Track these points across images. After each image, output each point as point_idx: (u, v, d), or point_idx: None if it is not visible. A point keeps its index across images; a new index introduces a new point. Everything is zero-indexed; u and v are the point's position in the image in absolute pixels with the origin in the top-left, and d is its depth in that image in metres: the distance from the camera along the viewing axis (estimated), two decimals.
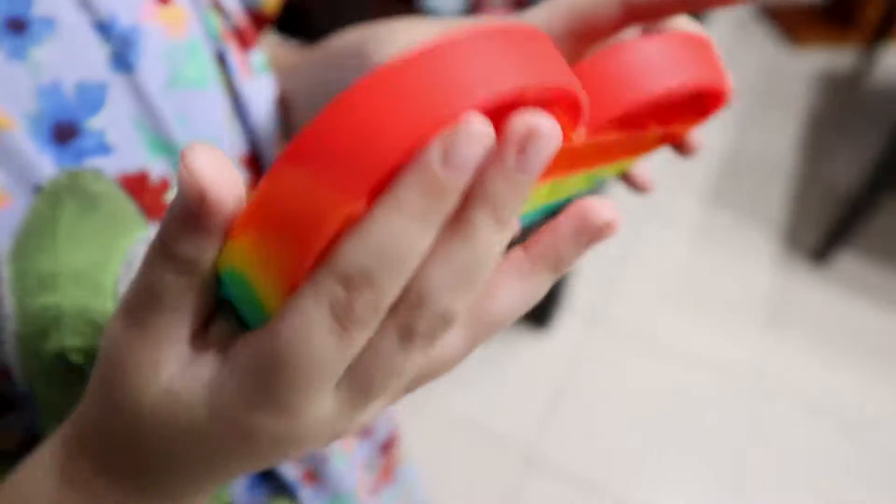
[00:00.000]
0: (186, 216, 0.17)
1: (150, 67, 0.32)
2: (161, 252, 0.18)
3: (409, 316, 0.18)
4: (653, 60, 0.24)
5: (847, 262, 1.83)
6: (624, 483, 1.34)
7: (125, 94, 0.31)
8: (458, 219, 0.18)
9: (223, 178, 0.17)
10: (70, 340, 0.26)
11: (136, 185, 0.32)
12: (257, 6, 0.43)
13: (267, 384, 0.18)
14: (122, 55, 0.31)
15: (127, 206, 0.29)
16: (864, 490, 1.38)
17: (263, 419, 0.19)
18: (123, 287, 0.27)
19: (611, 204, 0.21)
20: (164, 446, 0.20)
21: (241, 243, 0.18)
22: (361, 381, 0.20)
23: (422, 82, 0.15)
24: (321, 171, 0.16)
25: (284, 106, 0.42)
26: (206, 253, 0.18)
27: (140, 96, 0.32)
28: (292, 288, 0.18)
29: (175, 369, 0.19)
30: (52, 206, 0.27)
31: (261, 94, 0.38)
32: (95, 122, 0.30)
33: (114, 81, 0.31)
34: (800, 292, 1.74)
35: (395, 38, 0.32)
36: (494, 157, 0.17)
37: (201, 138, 0.35)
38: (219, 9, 0.37)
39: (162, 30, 0.33)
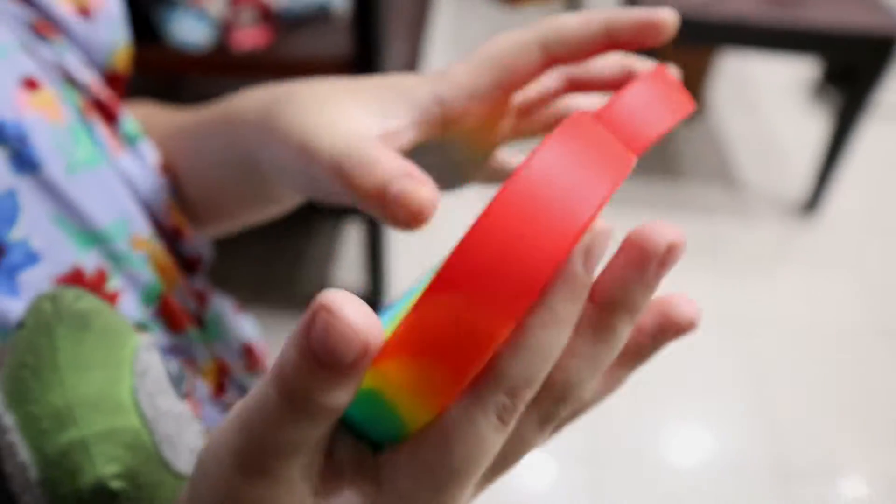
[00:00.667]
0: (339, 368, 0.16)
1: (49, 160, 0.31)
2: (300, 407, 0.17)
3: (553, 406, 0.20)
4: (651, 103, 0.26)
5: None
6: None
7: (36, 194, 0.30)
8: (602, 325, 0.20)
9: (375, 324, 0.16)
10: (106, 469, 0.25)
11: (72, 284, 0.31)
12: (110, 66, 0.41)
13: (438, 492, 0.19)
14: (22, 155, 0.30)
15: (114, 315, 0.28)
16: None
17: None
18: (143, 398, 0.26)
19: (692, 301, 0.23)
20: None
21: (386, 368, 0.18)
22: (497, 464, 0.21)
23: (547, 201, 0.17)
24: (475, 297, 0.16)
25: (170, 171, 0.41)
26: (351, 395, 0.17)
27: (51, 193, 0.31)
28: (445, 404, 0.18)
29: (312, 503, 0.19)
30: (46, 337, 0.26)
31: (140, 165, 0.37)
32: (16, 233, 0.29)
33: (20, 185, 0.30)
34: None
35: (298, 101, 0.30)
36: (636, 269, 0.19)
37: (119, 219, 0.34)
38: (72, 83, 0.35)
39: (41, 118, 0.31)
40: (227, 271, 1.71)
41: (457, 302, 0.17)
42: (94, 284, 0.32)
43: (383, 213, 0.25)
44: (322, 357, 0.16)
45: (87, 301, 0.27)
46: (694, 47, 2.15)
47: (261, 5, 1.45)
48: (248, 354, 0.46)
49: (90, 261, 0.32)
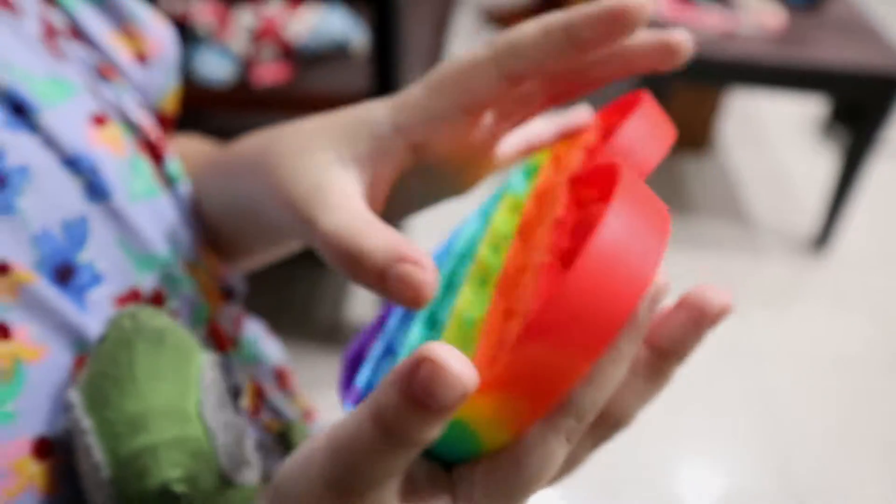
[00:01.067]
0: (439, 410, 0.18)
1: (115, 189, 0.33)
2: (397, 441, 0.19)
3: (606, 431, 0.26)
4: (647, 134, 0.28)
5: None
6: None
7: (104, 221, 0.32)
8: (658, 370, 0.25)
9: (472, 372, 0.19)
10: (171, 473, 0.27)
11: (132, 304, 0.33)
12: (160, 108, 0.43)
13: (509, 502, 0.22)
14: (94, 185, 0.32)
15: (184, 333, 0.31)
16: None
17: None
18: (207, 410, 0.29)
19: (722, 289, 0.26)
20: None
21: (476, 403, 0.20)
22: (552, 476, 0.25)
23: (621, 262, 0.20)
24: (564, 344, 0.20)
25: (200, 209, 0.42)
26: (442, 429, 0.20)
27: (117, 219, 0.33)
28: (522, 430, 0.22)
29: None
30: (126, 350, 0.28)
31: (178, 206, 0.39)
32: (84, 256, 0.31)
33: (91, 212, 0.32)
34: None
35: (282, 150, 0.31)
36: (694, 327, 0.25)
37: (173, 245, 0.36)
38: (128, 122, 0.37)
39: (109, 151, 0.34)
40: (244, 298, 1.74)
41: (548, 348, 0.20)
42: (152, 305, 0.34)
43: (382, 293, 0.26)
44: (425, 400, 0.18)
45: (161, 319, 0.30)
46: (703, 86, 2.19)
47: (281, 42, 1.50)
48: (280, 376, 0.48)
49: (147, 283, 0.34)
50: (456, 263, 0.33)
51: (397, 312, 0.35)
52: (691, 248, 2.01)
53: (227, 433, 0.29)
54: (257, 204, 0.33)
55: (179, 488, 0.27)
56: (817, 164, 2.38)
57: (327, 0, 1.32)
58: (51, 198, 0.30)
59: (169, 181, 0.39)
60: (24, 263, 0.29)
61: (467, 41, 2.95)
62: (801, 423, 1.58)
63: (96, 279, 0.32)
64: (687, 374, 1.67)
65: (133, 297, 0.34)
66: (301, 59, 1.54)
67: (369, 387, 0.32)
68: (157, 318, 0.30)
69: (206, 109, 1.52)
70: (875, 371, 1.71)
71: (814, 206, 2.17)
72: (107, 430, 0.27)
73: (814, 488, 1.46)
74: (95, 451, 0.27)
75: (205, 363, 0.30)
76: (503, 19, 3.09)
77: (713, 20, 1.77)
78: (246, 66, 1.47)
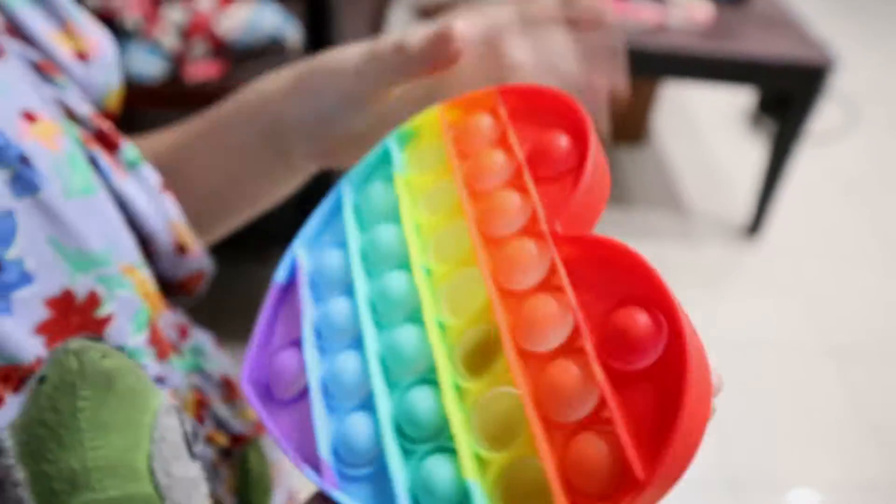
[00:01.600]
0: None
1: (47, 183, 0.32)
2: None
3: None
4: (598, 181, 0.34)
5: None
6: None
7: (33, 216, 0.31)
8: None
9: None
10: None
11: (63, 307, 0.32)
12: (103, 106, 0.43)
13: None
14: (22, 177, 0.31)
15: (139, 374, 0.28)
16: None
17: None
18: (159, 466, 0.26)
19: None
20: None
21: None
22: None
23: (701, 390, 0.24)
24: (673, 477, 0.24)
25: (175, 186, 0.44)
26: None
27: (48, 215, 0.32)
28: None
29: None
30: (69, 396, 0.26)
31: (141, 189, 0.39)
32: (12, 253, 0.30)
33: (18, 207, 0.31)
34: None
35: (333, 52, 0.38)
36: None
37: (111, 245, 0.35)
38: (73, 117, 0.37)
39: (40, 145, 0.33)
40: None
41: (661, 483, 0.23)
42: (85, 308, 0.33)
43: (434, 55, 0.34)
44: None
45: (112, 360, 0.27)
46: (637, 78, 2.23)
47: (213, 38, 1.46)
48: (227, 387, 0.48)
49: (82, 285, 0.33)
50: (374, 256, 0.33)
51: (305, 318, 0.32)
52: (628, 237, 2.02)
53: (179, 489, 0.27)
54: (276, 123, 0.40)
55: None
56: (748, 153, 2.45)
57: None
58: None
59: (129, 166, 0.39)
60: None
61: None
62: (735, 408, 1.63)
63: (25, 278, 0.30)
64: None
65: (66, 299, 0.32)
66: (233, 54, 1.51)
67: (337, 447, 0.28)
68: (107, 359, 0.27)
69: (138, 107, 1.48)
70: (807, 354, 1.78)
71: (745, 194, 2.24)
72: (43, 485, 0.25)
73: (748, 472, 1.51)
74: None
75: (161, 409, 0.28)
76: (434, 13, 3.09)
77: (645, 13, 1.80)
78: (177, 62, 1.44)
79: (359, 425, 0.27)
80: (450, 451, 0.26)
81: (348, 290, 0.32)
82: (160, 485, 0.26)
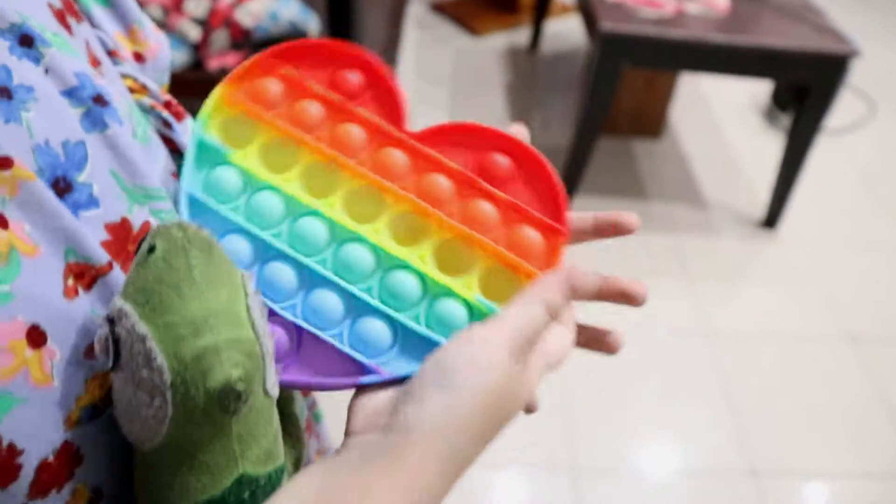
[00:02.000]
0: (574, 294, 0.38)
1: (116, 123, 0.36)
2: (549, 313, 0.36)
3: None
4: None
5: (583, 205, 2.11)
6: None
7: (101, 149, 0.34)
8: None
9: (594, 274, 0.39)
10: (233, 372, 0.29)
11: (121, 233, 0.35)
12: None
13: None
14: (93, 114, 0.35)
15: (221, 247, 0.32)
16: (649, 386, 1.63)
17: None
18: (256, 316, 0.31)
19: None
20: (499, 421, 0.34)
21: None
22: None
23: None
24: None
25: None
26: None
27: (114, 150, 0.35)
28: None
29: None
30: (182, 256, 0.30)
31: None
32: (82, 177, 0.33)
33: (90, 139, 0.34)
34: None
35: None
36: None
37: (162, 185, 0.39)
38: (145, 88, 0.43)
39: (111, 90, 0.36)
40: None
41: None
42: (138, 237, 0.36)
43: None
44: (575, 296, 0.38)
45: (203, 232, 0.32)
46: (654, 71, 2.23)
47: (234, 28, 1.47)
48: None
49: (137, 216, 0.36)
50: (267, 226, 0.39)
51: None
52: (647, 231, 2.04)
53: (267, 341, 0.31)
54: None
55: (240, 386, 0.29)
56: (765, 145, 2.45)
57: None
58: (53, 118, 0.32)
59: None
60: (27, 165, 0.30)
61: (416, 30, 2.95)
62: (756, 398, 1.63)
63: (93, 201, 0.33)
64: (643, 354, 1.70)
65: (124, 225, 0.35)
66: (255, 43, 1.52)
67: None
68: (202, 231, 0.31)
69: None
70: (825, 343, 1.77)
71: (763, 186, 2.23)
72: (169, 333, 0.28)
73: (768, 461, 1.51)
74: (157, 354, 0.28)
75: (245, 273, 0.32)
76: (448, 8, 3.10)
77: (661, 4, 1.80)
78: (199, 52, 1.45)
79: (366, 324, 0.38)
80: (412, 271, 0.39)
81: (270, 249, 0.39)
82: (258, 332, 0.30)
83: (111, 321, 0.29)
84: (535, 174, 0.40)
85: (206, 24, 1.45)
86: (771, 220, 2.07)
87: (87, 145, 0.34)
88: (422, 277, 0.38)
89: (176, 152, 0.43)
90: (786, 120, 2.51)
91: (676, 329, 1.77)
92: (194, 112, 0.47)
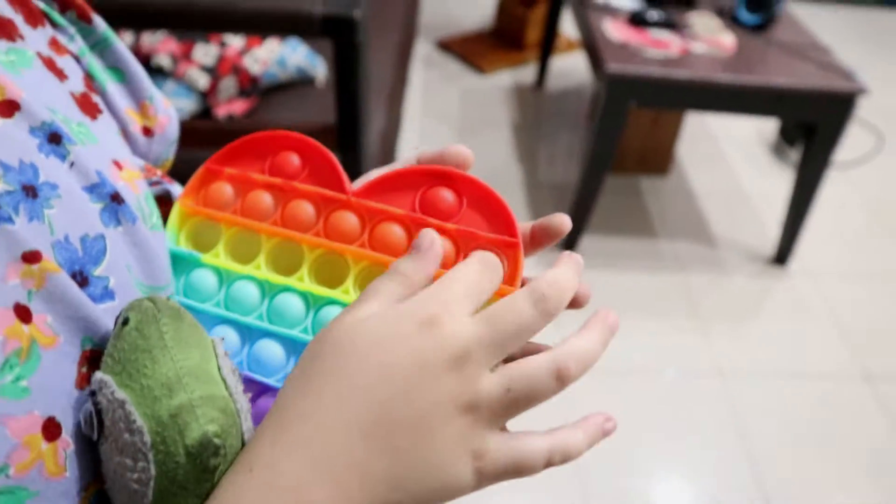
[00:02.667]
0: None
1: (135, 217, 0.38)
2: (546, 317, 0.34)
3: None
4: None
5: (590, 244, 2.10)
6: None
7: (118, 244, 0.36)
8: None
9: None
10: (210, 426, 0.30)
11: None
12: (161, 163, 0.50)
13: None
14: (111, 211, 0.37)
15: (190, 316, 0.34)
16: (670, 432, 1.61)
17: None
18: (227, 375, 0.32)
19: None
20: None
21: None
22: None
23: None
24: None
25: None
26: None
27: (129, 246, 0.37)
28: None
29: None
30: (154, 324, 0.32)
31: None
32: (99, 271, 0.35)
33: (108, 233, 0.36)
34: None
35: None
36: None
37: (165, 286, 0.41)
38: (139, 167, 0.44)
39: (128, 187, 0.39)
40: None
41: None
42: None
43: None
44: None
45: (173, 302, 0.34)
46: (661, 110, 2.23)
47: (242, 75, 1.48)
48: None
49: None
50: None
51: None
52: (656, 269, 2.03)
53: (241, 398, 0.33)
54: None
55: (218, 441, 0.30)
56: (773, 180, 2.44)
57: (286, 37, 1.32)
58: (74, 214, 0.34)
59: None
60: (52, 258, 0.32)
61: (422, 69, 2.98)
62: (771, 439, 1.60)
63: (108, 294, 0.35)
64: (653, 395, 1.68)
65: None
66: (263, 89, 1.53)
67: None
68: (169, 301, 0.34)
69: None
70: (840, 382, 1.75)
71: (772, 222, 2.22)
72: (146, 396, 0.30)
73: (783, 497, 1.48)
74: (136, 417, 0.29)
75: (216, 341, 0.34)
76: (454, 46, 3.12)
77: (666, 44, 1.81)
78: (208, 99, 1.46)
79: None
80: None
81: (254, 331, 0.42)
82: (231, 389, 0.32)
83: (93, 394, 0.30)
84: (479, 198, 0.42)
85: (214, 72, 1.46)
86: (781, 256, 2.06)
87: (106, 239, 0.35)
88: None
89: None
90: (794, 155, 2.51)
91: (687, 369, 1.75)
92: (199, 160, 0.49)
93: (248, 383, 0.40)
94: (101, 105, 0.43)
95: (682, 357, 1.78)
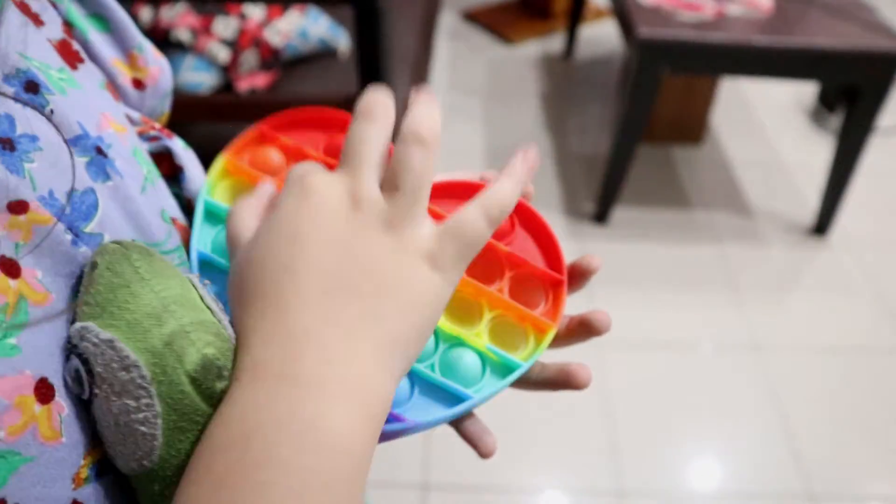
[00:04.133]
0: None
1: (120, 174, 0.35)
2: (494, 226, 0.33)
3: None
4: None
5: (623, 215, 2.05)
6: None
7: (108, 199, 0.34)
8: None
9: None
10: (208, 350, 0.29)
11: None
12: (156, 117, 0.47)
13: None
14: (97, 165, 0.34)
15: (161, 255, 0.33)
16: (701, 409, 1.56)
17: None
18: (210, 303, 0.31)
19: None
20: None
21: None
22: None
23: None
24: None
25: None
26: None
27: (118, 202, 0.35)
28: None
29: None
30: (125, 261, 0.30)
31: (193, 162, 0.45)
32: (90, 227, 0.32)
33: (98, 188, 0.34)
34: (599, 252, 1.93)
35: None
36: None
37: (161, 243, 0.38)
38: (130, 120, 0.42)
39: (116, 136, 0.37)
40: None
41: None
42: None
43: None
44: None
45: (140, 243, 0.32)
46: (694, 76, 2.16)
47: (263, 48, 1.45)
48: None
49: None
50: None
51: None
52: (690, 241, 1.98)
53: (230, 326, 0.31)
54: None
55: (219, 362, 0.29)
56: (813, 147, 2.36)
57: (309, 3, 1.29)
58: (58, 168, 0.32)
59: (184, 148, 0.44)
60: (41, 207, 0.30)
61: (448, 40, 2.92)
62: (812, 416, 1.56)
63: None
64: (689, 371, 1.64)
65: None
66: (284, 62, 1.50)
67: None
68: (136, 242, 0.32)
69: (190, 119, 1.48)
70: (878, 355, 1.69)
71: (811, 191, 2.15)
72: (134, 330, 0.28)
73: (829, 486, 1.43)
74: (129, 353, 0.28)
75: (192, 276, 0.33)
76: (481, 17, 3.06)
77: (700, 7, 1.74)
78: (229, 73, 1.43)
79: None
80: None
81: None
82: (217, 316, 0.31)
83: (74, 348, 0.29)
84: (533, 226, 0.43)
85: (235, 45, 1.43)
86: (821, 226, 1.99)
87: (96, 193, 0.33)
88: (435, 330, 0.39)
89: (172, 176, 0.43)
90: (834, 121, 2.42)
91: (724, 343, 1.71)
92: (226, 138, 0.47)
93: None
94: (83, 54, 0.39)
95: (717, 331, 1.73)
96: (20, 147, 0.30)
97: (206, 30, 1.45)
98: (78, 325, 0.29)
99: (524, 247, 0.42)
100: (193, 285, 0.32)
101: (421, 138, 0.33)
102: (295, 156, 0.45)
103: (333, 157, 0.44)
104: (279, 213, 0.32)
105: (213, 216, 0.43)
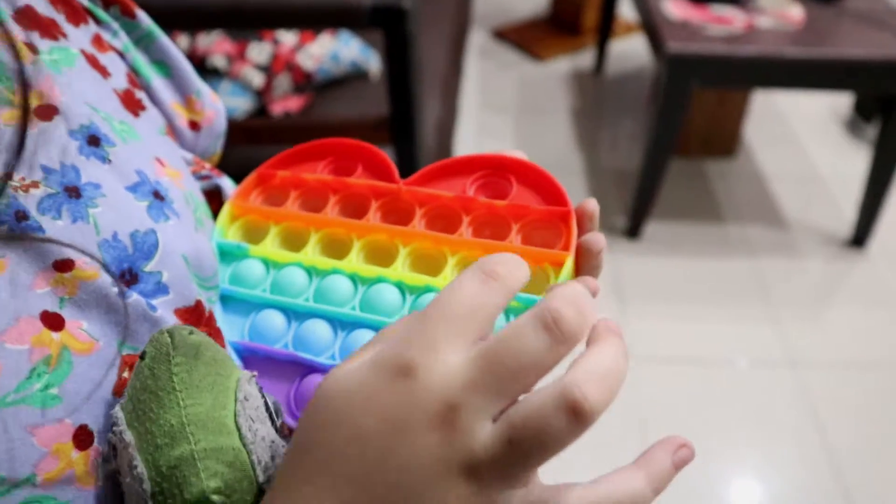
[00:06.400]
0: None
1: (176, 217, 0.38)
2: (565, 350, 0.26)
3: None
4: None
5: (656, 230, 2.04)
6: None
7: (168, 238, 0.36)
8: None
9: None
10: (210, 483, 0.28)
11: (194, 317, 0.37)
12: (209, 157, 0.51)
13: None
14: (159, 207, 0.37)
15: (219, 349, 0.32)
16: (742, 423, 1.54)
17: None
18: (244, 422, 0.29)
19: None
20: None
21: None
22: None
23: None
24: None
25: None
26: None
27: (179, 239, 0.37)
28: None
29: None
30: (165, 364, 0.30)
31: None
32: (150, 266, 0.35)
33: (160, 228, 0.36)
34: (631, 267, 1.92)
35: None
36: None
37: (211, 277, 0.41)
38: (185, 161, 0.45)
39: (172, 182, 0.39)
40: None
41: None
42: (210, 320, 0.39)
43: None
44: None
45: (198, 335, 0.32)
46: (726, 89, 2.15)
47: (297, 71, 1.49)
48: None
49: (206, 299, 0.39)
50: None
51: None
52: (724, 255, 1.96)
53: (263, 447, 0.30)
54: None
55: (218, 499, 0.28)
56: (849, 158, 2.33)
57: (341, 28, 1.32)
58: (120, 211, 0.34)
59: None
60: (87, 264, 0.31)
61: (478, 58, 2.95)
62: (851, 434, 1.53)
63: (161, 289, 0.35)
64: (724, 387, 1.62)
65: (197, 308, 0.37)
66: (317, 85, 1.53)
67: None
68: (194, 335, 0.31)
69: (226, 143, 1.51)
70: None
71: (848, 202, 2.12)
72: (148, 442, 0.28)
73: (866, 496, 1.40)
74: (137, 463, 0.28)
75: (242, 378, 0.32)
76: (510, 34, 3.08)
77: (729, 20, 1.73)
78: (263, 97, 1.47)
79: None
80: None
81: (300, 313, 0.42)
82: (246, 439, 0.29)
83: (111, 425, 0.30)
84: (529, 178, 0.42)
85: (268, 70, 1.47)
86: (859, 238, 1.96)
87: (157, 233, 0.35)
88: None
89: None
90: (871, 131, 2.38)
91: (759, 359, 1.68)
92: (260, 160, 0.50)
93: (294, 364, 0.40)
94: (146, 101, 0.43)
95: (753, 346, 1.71)
96: (85, 194, 0.33)
97: (240, 56, 1.49)
98: (116, 409, 0.30)
99: (525, 198, 0.42)
100: (235, 397, 0.30)
101: (582, 411, 0.24)
102: (294, 187, 0.46)
103: (335, 174, 0.46)
104: (365, 385, 0.26)
105: (227, 254, 0.45)
